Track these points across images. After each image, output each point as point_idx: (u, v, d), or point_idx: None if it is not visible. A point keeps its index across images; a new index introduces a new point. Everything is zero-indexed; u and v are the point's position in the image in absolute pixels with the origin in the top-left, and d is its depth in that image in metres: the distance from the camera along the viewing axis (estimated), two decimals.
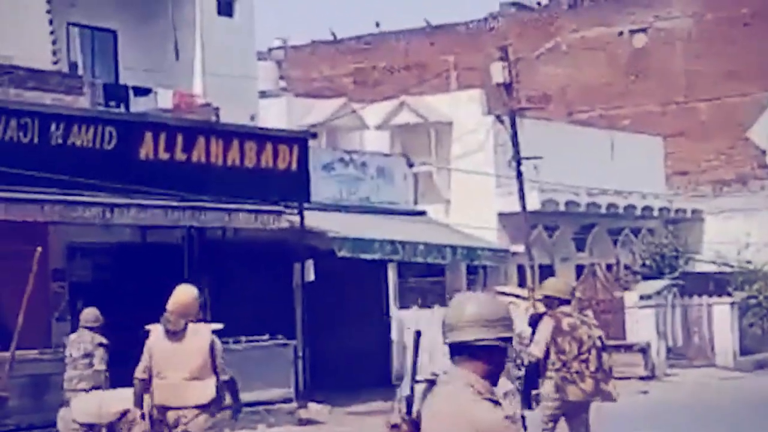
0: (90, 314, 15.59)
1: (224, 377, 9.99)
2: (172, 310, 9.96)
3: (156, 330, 10.06)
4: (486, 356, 5.13)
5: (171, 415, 9.85)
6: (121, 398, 11.38)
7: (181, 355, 9.83)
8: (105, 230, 19.73)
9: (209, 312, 21.75)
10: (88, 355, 15.21)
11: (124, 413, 11.45)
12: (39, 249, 9.20)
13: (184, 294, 10.06)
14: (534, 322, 11.51)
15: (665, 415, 19.75)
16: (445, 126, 34.32)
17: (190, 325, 9.91)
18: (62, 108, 19.84)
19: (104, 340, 15.25)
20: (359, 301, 25.27)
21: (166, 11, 27.30)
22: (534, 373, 11.44)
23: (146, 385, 10.04)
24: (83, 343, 15.33)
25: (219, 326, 10.20)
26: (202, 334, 9.92)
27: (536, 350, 11.21)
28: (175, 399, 9.83)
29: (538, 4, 50.48)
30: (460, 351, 5.14)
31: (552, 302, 11.26)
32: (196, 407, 9.82)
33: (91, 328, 15.40)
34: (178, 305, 9.96)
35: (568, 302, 11.27)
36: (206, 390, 9.83)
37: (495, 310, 5.19)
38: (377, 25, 51.50)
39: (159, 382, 9.91)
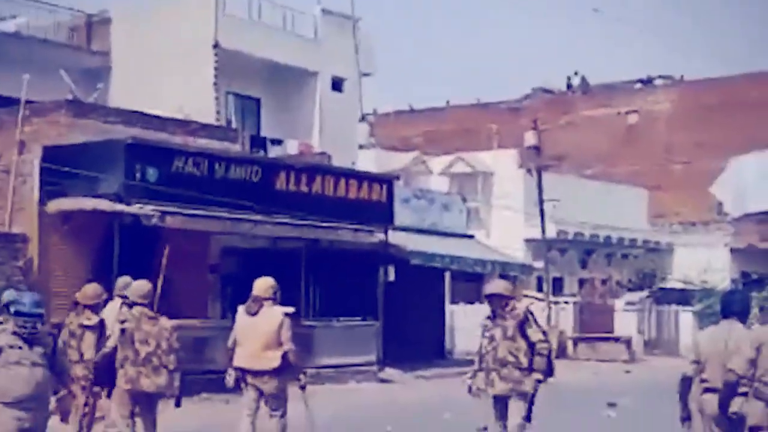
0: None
1: (286, 348, 9.11)
2: (252, 294, 9.31)
3: (241, 310, 9.39)
4: None
5: (249, 377, 9.23)
6: None
7: (256, 329, 9.14)
8: (248, 238, 19.97)
9: (318, 299, 22.37)
10: None
11: None
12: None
13: (261, 282, 9.36)
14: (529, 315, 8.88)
15: (642, 387, 19.83)
16: (489, 175, 34.62)
17: (266, 308, 9.17)
18: (222, 151, 19.89)
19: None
20: (424, 297, 25.25)
21: (296, 86, 27.77)
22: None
23: (232, 353, 9.36)
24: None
25: (291, 309, 9.20)
26: (274, 315, 9.13)
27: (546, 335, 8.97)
28: (250, 363, 9.19)
29: (560, 90, 50.60)
30: None
31: (502, 299, 8.87)
32: (266, 372, 9.16)
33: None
34: (256, 289, 9.30)
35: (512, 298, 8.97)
36: (274, 358, 9.11)
37: None
38: (447, 102, 51.90)
39: (238, 350, 9.29)
